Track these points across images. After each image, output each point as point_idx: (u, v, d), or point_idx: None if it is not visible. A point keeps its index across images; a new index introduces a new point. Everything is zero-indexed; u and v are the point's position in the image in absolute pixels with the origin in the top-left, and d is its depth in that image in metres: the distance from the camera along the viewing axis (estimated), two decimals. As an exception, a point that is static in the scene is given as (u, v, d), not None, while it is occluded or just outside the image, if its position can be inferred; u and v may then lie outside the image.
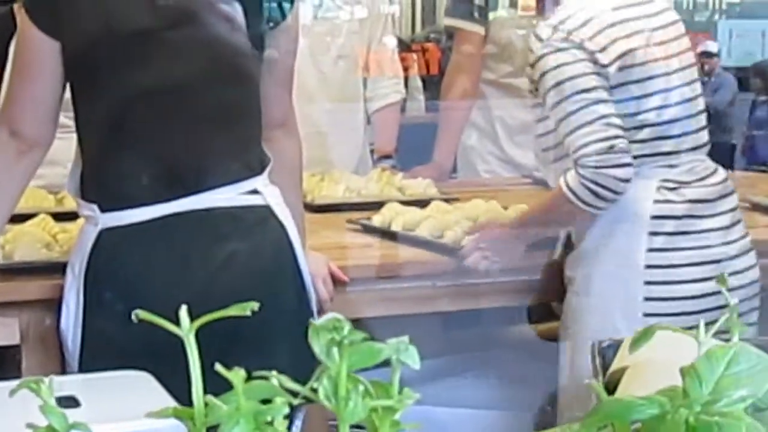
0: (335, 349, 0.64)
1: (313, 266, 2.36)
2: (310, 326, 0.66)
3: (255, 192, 2.21)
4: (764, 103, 7.99)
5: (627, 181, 2.43)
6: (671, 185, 2.51)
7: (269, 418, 0.67)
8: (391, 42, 3.95)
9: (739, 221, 2.63)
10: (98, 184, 2.24)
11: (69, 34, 2.16)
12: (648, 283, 2.48)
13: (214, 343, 2.06)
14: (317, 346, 0.64)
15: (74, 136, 2.29)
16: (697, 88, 2.69)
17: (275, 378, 0.66)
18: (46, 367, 2.36)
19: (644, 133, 2.50)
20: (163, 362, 1.87)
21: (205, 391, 0.74)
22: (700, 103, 2.67)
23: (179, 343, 2.05)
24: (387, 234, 2.87)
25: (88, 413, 1.60)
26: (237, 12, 2.20)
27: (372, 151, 3.81)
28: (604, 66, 2.46)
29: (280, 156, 2.32)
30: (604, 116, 2.44)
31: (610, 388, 1.70)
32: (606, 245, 2.51)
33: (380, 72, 3.80)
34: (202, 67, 2.23)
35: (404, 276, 2.69)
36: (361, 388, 0.64)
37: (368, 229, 2.92)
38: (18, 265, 2.45)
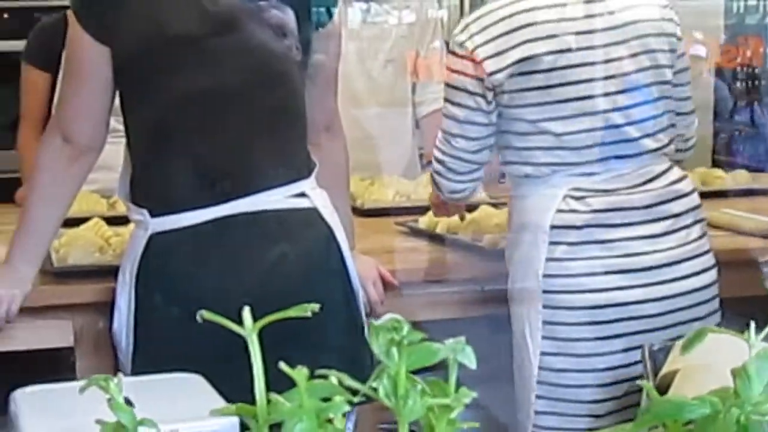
0: (394, 349, 0.65)
1: (362, 269, 2.37)
2: (369, 326, 0.67)
3: (302, 195, 2.23)
4: (746, 107, 8.00)
5: (452, 192, 2.56)
6: (580, 194, 2.45)
7: (330, 416, 0.68)
8: (440, 46, 3.93)
9: (684, 227, 2.51)
10: (147, 188, 2.27)
11: (118, 40, 2.19)
12: (546, 291, 2.43)
13: (263, 344, 2.04)
14: (377, 345, 0.65)
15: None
16: (649, 93, 2.55)
17: (335, 376, 0.67)
18: (99, 368, 2.35)
19: (547, 142, 2.46)
20: (214, 363, 1.89)
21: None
22: (649, 110, 2.54)
23: (229, 345, 2.02)
24: (433, 237, 2.88)
25: (140, 415, 1.63)
26: (283, 17, 2.22)
27: (421, 156, 3.76)
28: (492, 74, 2.41)
29: (327, 159, 2.34)
30: (450, 134, 2.49)
31: (662, 390, 1.70)
32: (514, 254, 2.50)
33: (429, 77, 3.71)
34: (249, 72, 2.26)
35: (452, 280, 2.69)
36: (419, 387, 0.65)
37: (415, 232, 2.93)
38: (72, 269, 2.48)
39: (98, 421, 0.79)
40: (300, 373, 0.67)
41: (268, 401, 0.68)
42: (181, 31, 2.21)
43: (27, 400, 1.74)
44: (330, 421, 0.68)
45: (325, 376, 0.69)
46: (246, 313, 0.73)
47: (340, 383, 0.68)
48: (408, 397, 0.65)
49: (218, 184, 2.22)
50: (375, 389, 0.66)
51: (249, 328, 0.72)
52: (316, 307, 0.74)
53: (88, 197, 2.92)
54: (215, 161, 2.26)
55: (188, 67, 2.25)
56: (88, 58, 2.24)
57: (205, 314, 0.77)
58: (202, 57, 2.24)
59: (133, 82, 2.24)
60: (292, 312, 0.74)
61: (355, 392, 0.71)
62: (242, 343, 2.15)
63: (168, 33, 2.20)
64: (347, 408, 0.66)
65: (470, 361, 0.67)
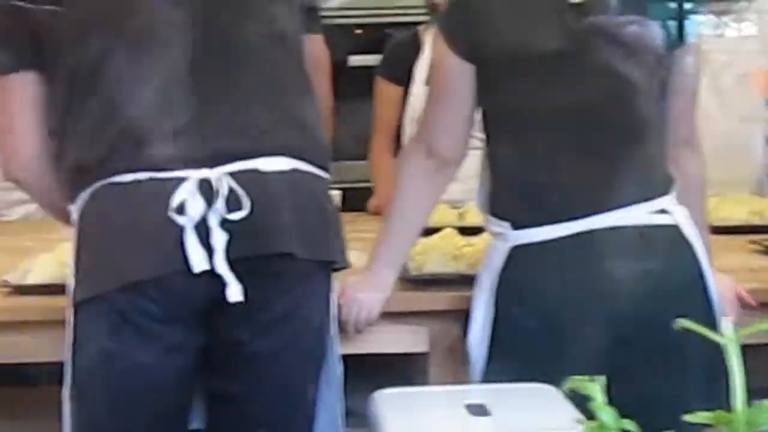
0: None
1: (720, 288, 2.33)
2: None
3: (663, 211, 2.22)
4: None
5: None
6: None
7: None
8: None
9: None
10: (509, 202, 2.31)
11: (483, 58, 2.24)
12: None
13: (629, 356, 1.91)
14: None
15: (476, 153, 2.40)
16: None
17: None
18: (451, 374, 2.46)
19: None
20: (565, 376, 1.87)
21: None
22: None
23: (584, 358, 1.95)
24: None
25: (497, 422, 1.74)
26: (643, 33, 2.27)
27: (769, 174, 3.68)
28: None
29: (685, 175, 2.33)
30: None
31: None
32: None
33: (784, 92, 3.62)
34: (610, 88, 2.27)
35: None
36: None
37: (769, 252, 2.82)
38: (428, 277, 2.55)
39: (578, 421, 0.82)
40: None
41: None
42: (546, 48, 2.25)
43: (387, 401, 1.85)
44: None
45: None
46: (726, 323, 0.74)
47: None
48: None
49: (581, 198, 2.24)
50: None
51: (729, 337, 0.73)
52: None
53: (439, 207, 2.96)
54: (577, 177, 2.27)
55: (550, 84, 2.28)
56: (454, 77, 2.31)
57: (683, 322, 0.78)
58: (564, 73, 2.28)
59: (496, 98, 2.29)
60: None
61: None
62: (594, 358, 2.11)
63: (532, 51, 2.25)
64: None
65: None
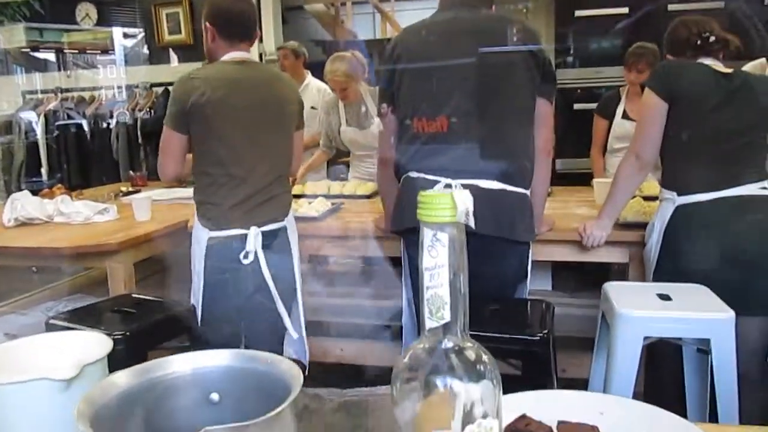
0: None
1: None
2: None
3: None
4: None
5: None
6: None
7: None
8: None
9: None
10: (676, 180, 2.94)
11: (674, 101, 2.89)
12: None
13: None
14: None
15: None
16: None
17: None
18: (640, 278, 3.17)
19: None
20: None
21: None
22: None
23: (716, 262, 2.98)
24: None
25: (678, 303, 2.35)
26: None
27: None
28: None
29: None
30: None
31: None
32: None
33: None
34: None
35: None
36: None
37: None
38: (629, 222, 3.34)
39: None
40: None
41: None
42: (706, 96, 2.86)
43: (614, 288, 2.56)
44: None
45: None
46: None
47: None
48: None
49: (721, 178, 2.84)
50: None
51: None
52: None
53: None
54: (721, 166, 2.87)
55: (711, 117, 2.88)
56: (655, 111, 2.93)
57: None
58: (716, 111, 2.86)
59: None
60: None
61: None
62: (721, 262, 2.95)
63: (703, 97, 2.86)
64: None
65: None
